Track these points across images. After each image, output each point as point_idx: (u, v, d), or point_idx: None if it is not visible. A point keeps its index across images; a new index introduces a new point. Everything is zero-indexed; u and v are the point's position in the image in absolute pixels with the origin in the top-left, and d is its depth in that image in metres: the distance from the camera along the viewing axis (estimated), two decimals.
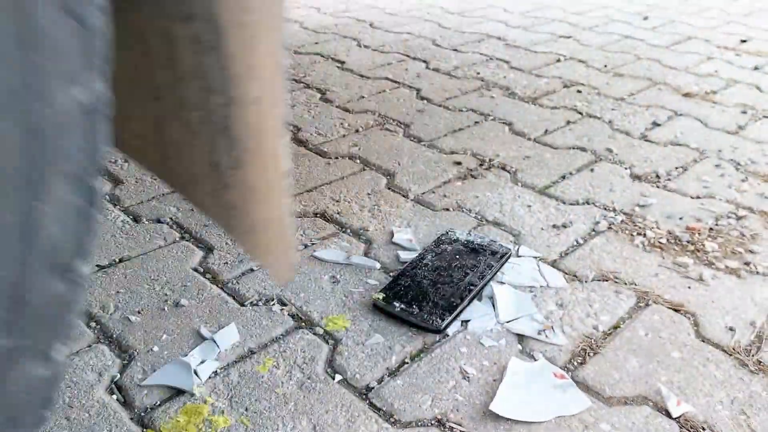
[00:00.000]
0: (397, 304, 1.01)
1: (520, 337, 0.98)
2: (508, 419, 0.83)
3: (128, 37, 0.45)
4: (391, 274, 1.12)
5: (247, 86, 0.46)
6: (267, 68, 0.46)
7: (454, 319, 1.00)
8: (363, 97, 1.99)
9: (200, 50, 0.44)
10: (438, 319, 0.98)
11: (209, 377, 0.90)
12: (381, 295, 1.03)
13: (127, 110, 0.48)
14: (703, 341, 0.99)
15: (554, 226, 1.28)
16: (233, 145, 0.48)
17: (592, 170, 1.52)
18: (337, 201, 1.37)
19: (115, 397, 0.86)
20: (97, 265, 1.13)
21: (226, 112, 0.47)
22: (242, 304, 1.04)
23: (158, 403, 0.86)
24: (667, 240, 1.24)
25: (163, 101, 0.47)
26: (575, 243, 1.22)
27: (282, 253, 0.54)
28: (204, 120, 0.47)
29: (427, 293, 1.04)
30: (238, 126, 0.47)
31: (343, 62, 2.33)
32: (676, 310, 1.05)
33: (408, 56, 2.40)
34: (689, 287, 1.10)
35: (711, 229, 1.27)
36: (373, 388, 0.89)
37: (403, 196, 1.39)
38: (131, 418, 0.83)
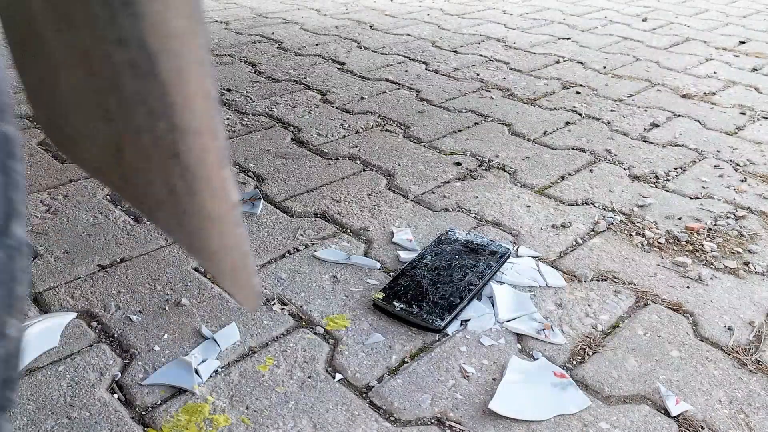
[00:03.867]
0: (397, 304, 1.02)
1: (520, 337, 0.99)
2: (507, 418, 0.84)
3: (75, 59, 0.44)
4: (391, 273, 1.12)
5: (184, 116, 0.45)
6: (199, 98, 0.45)
7: (454, 318, 1.01)
8: (363, 98, 1.99)
9: (139, 75, 0.43)
10: (438, 319, 0.99)
11: (210, 376, 0.90)
12: (381, 295, 1.04)
13: (84, 131, 0.48)
14: (702, 341, 0.99)
15: (553, 226, 1.28)
16: (185, 172, 0.47)
17: (591, 171, 1.52)
18: (338, 201, 1.37)
19: (116, 396, 0.87)
20: (98, 265, 1.13)
21: (172, 138, 0.46)
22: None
23: (159, 402, 0.86)
24: (666, 240, 1.24)
25: (116, 123, 0.46)
26: (574, 243, 1.23)
27: (245, 281, 0.52)
28: (155, 144, 0.46)
29: (426, 293, 1.04)
30: (186, 154, 0.46)
31: (343, 63, 2.33)
32: (674, 310, 1.05)
33: (408, 58, 2.41)
34: (688, 287, 1.11)
35: (710, 229, 1.28)
36: (373, 387, 0.89)
37: (403, 196, 1.40)
38: (132, 417, 0.84)
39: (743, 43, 2.58)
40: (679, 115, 1.85)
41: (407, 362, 0.93)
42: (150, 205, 0.51)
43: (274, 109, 1.88)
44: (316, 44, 2.58)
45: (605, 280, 1.12)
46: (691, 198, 1.40)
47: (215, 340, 0.96)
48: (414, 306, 1.01)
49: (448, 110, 1.90)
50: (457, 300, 1.03)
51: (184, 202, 0.49)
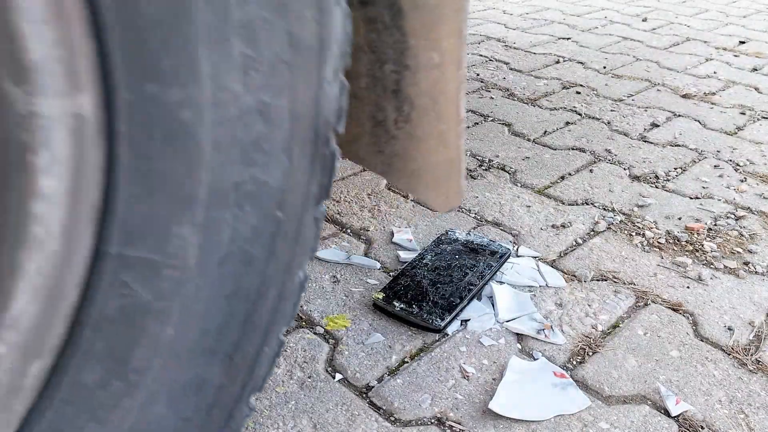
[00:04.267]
0: (397, 304, 1.02)
1: (520, 337, 0.99)
2: (507, 418, 0.84)
3: None
4: (391, 273, 1.12)
5: (426, 55, 0.57)
6: (449, 39, 0.56)
7: (454, 318, 1.00)
8: None
9: (375, 29, 0.53)
10: (438, 319, 0.99)
11: None
12: (381, 295, 1.04)
13: None
14: (702, 341, 0.99)
15: (553, 226, 1.28)
16: (402, 105, 0.59)
17: (591, 171, 1.52)
18: (338, 201, 1.37)
19: None
20: None
21: (396, 77, 0.58)
22: None
23: None
24: (666, 240, 1.24)
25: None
26: (574, 243, 1.23)
27: (450, 189, 0.66)
28: (370, 85, 0.57)
29: (426, 293, 1.04)
30: (409, 88, 0.59)
31: None
32: (674, 310, 1.05)
33: None
34: (688, 287, 1.11)
35: (710, 229, 1.28)
36: (373, 387, 0.89)
37: (403, 196, 1.40)
38: None
39: (743, 43, 2.58)
40: (679, 115, 1.85)
41: (407, 362, 0.93)
42: (348, 140, 0.61)
43: None
44: None
45: (605, 280, 1.12)
46: (691, 198, 1.40)
47: None
48: (414, 306, 1.01)
49: None
50: (457, 300, 1.02)
51: (392, 131, 0.61)
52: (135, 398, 0.49)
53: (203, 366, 0.52)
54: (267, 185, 0.48)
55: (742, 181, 1.47)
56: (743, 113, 1.86)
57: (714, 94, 2.02)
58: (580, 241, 1.24)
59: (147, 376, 0.50)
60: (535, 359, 0.94)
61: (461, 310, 1.02)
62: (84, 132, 0.42)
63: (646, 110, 1.90)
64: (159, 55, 0.41)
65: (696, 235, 1.26)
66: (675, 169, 1.53)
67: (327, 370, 0.92)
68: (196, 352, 0.51)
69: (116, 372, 0.49)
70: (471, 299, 1.04)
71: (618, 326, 1.02)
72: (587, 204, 1.37)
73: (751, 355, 0.96)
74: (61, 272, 0.45)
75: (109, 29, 0.40)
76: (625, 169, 1.53)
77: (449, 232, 1.22)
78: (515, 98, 2.00)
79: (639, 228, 1.28)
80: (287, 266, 0.53)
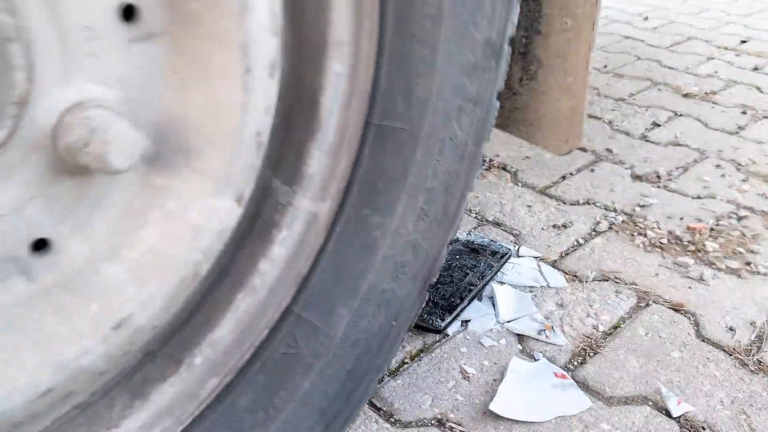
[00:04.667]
0: None
1: (521, 337, 0.98)
2: (508, 419, 0.83)
3: None
4: None
5: (559, 21, 0.69)
6: (584, 6, 0.69)
7: (454, 318, 1.00)
8: None
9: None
10: (438, 319, 0.98)
11: None
12: None
13: None
14: (704, 341, 0.99)
15: (554, 226, 1.28)
16: (529, 65, 0.71)
17: (592, 170, 1.52)
18: None
19: None
20: None
21: (527, 42, 0.70)
22: None
23: None
24: (668, 240, 1.24)
25: None
26: (575, 243, 1.22)
27: (571, 132, 0.79)
28: None
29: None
30: (538, 50, 0.71)
31: None
32: (676, 310, 1.05)
33: None
34: (690, 287, 1.10)
35: (712, 229, 1.27)
36: None
37: None
38: None
39: (745, 42, 2.57)
40: (681, 115, 1.85)
41: (407, 363, 0.93)
42: None
43: None
44: None
45: (606, 281, 1.12)
46: (692, 198, 1.39)
47: None
48: None
49: None
50: (458, 300, 1.02)
51: (515, 87, 0.73)
52: (267, 430, 0.62)
53: (313, 423, 0.64)
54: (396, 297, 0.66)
55: (744, 180, 1.47)
56: (745, 112, 1.86)
57: (715, 93, 2.01)
58: (581, 241, 1.23)
59: (281, 415, 0.62)
60: (535, 360, 0.94)
61: (462, 311, 1.02)
62: (314, 226, 0.59)
63: (647, 109, 1.89)
64: (384, 193, 0.60)
65: (698, 235, 1.25)
66: (677, 168, 1.53)
67: None
68: (314, 408, 0.64)
69: (262, 404, 0.60)
70: (471, 300, 1.04)
71: (619, 327, 1.01)
72: (588, 204, 1.37)
73: (753, 355, 0.96)
74: (259, 315, 0.59)
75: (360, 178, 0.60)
76: (626, 168, 1.53)
77: None
78: None
79: (641, 228, 1.27)
80: (389, 351, 0.70)
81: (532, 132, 0.80)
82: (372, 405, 0.86)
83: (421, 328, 0.99)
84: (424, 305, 1.00)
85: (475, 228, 1.27)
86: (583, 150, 1.62)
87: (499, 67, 0.62)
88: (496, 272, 1.11)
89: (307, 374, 0.63)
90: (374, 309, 0.65)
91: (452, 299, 1.02)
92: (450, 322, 0.99)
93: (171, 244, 0.51)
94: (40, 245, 0.46)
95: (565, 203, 1.37)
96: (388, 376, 0.91)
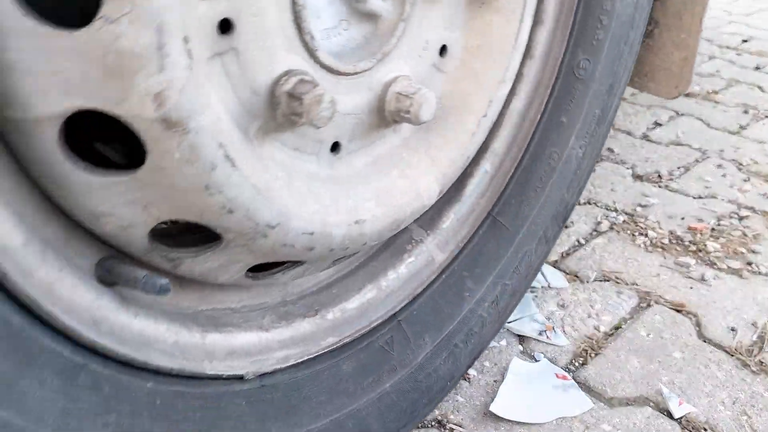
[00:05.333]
0: None
1: (521, 338, 0.98)
2: (508, 420, 0.83)
3: None
4: None
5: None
6: None
7: None
8: None
9: None
10: None
11: None
12: None
13: None
14: (705, 341, 0.98)
15: None
16: (647, 25, 0.81)
17: (593, 170, 1.51)
18: None
19: None
20: None
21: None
22: None
23: None
24: (669, 240, 1.23)
25: None
26: (577, 243, 1.22)
27: (681, 79, 0.94)
28: None
29: None
30: (656, 12, 0.86)
31: None
32: (677, 311, 1.05)
33: None
34: (691, 287, 1.10)
35: (713, 229, 1.27)
36: None
37: None
38: None
39: (746, 41, 2.57)
40: (682, 114, 1.84)
41: None
42: None
43: None
44: None
45: (608, 281, 1.11)
46: (694, 198, 1.39)
47: None
48: None
49: None
50: None
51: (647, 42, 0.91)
52: (479, 287, 0.79)
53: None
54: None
55: (745, 180, 1.46)
56: (746, 112, 1.85)
57: (717, 92, 2.01)
58: (582, 241, 1.23)
59: (488, 277, 0.80)
60: (536, 361, 0.94)
61: None
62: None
63: (648, 109, 1.89)
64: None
65: (699, 235, 1.25)
66: (678, 168, 1.52)
67: None
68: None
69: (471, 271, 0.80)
70: None
71: (620, 327, 1.01)
72: (589, 204, 1.36)
73: (755, 356, 0.95)
74: (463, 222, 0.80)
75: None
76: (627, 168, 1.52)
77: None
78: None
79: (642, 228, 1.27)
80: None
81: (645, 82, 0.96)
82: None
83: None
84: None
85: None
86: None
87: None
88: None
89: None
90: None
91: None
92: None
93: (403, 192, 0.66)
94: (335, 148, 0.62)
95: None
96: None
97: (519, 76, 0.76)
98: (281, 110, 0.50)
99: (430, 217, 0.76)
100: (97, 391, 0.46)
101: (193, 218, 0.49)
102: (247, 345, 0.59)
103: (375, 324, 0.69)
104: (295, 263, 0.60)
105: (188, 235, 0.54)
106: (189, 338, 0.54)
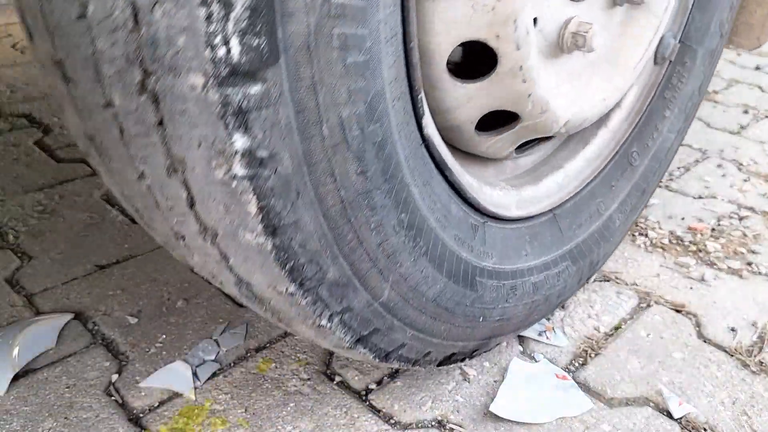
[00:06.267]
0: None
1: (521, 338, 0.98)
2: (508, 421, 0.83)
3: None
4: None
5: None
6: None
7: None
8: None
9: None
10: None
11: (208, 378, 0.89)
12: None
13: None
14: (705, 342, 0.98)
15: None
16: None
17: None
18: None
19: (113, 398, 0.86)
20: (96, 266, 1.12)
21: None
22: (241, 305, 1.04)
23: (157, 404, 0.85)
24: (669, 240, 1.23)
25: None
26: None
27: (762, 32, 1.13)
28: None
29: None
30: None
31: None
32: (677, 311, 1.04)
33: None
34: (691, 288, 1.10)
35: (713, 229, 1.27)
36: (372, 389, 0.88)
37: None
38: (129, 419, 0.83)
39: None
40: None
41: None
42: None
43: None
44: None
45: (608, 281, 1.11)
46: (694, 198, 1.39)
47: (217, 342, 0.95)
48: None
49: None
50: None
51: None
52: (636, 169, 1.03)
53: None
54: None
55: (745, 180, 1.46)
56: (746, 112, 1.85)
57: (717, 92, 2.01)
58: None
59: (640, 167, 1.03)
60: (536, 361, 0.93)
61: None
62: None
63: None
64: None
65: (699, 236, 1.25)
66: (678, 168, 1.52)
67: (326, 372, 0.91)
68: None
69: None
70: None
71: (620, 327, 1.01)
72: None
73: (755, 356, 0.95)
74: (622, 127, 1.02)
75: None
76: None
77: None
78: None
79: (642, 228, 1.27)
80: None
81: (731, 36, 1.12)
82: (371, 406, 0.85)
83: None
84: None
85: None
86: None
87: None
88: None
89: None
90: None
91: None
92: None
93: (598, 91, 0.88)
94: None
95: None
96: (388, 377, 0.90)
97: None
98: (566, 42, 0.77)
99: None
100: (501, 232, 0.81)
101: (509, 107, 0.75)
102: (507, 201, 0.84)
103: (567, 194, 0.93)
104: (547, 139, 0.92)
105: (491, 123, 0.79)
106: (507, 197, 0.84)
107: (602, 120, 0.97)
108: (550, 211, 0.89)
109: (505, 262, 0.80)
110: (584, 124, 0.88)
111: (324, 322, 0.61)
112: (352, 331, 0.64)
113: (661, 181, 1.18)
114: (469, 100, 0.71)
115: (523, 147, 0.90)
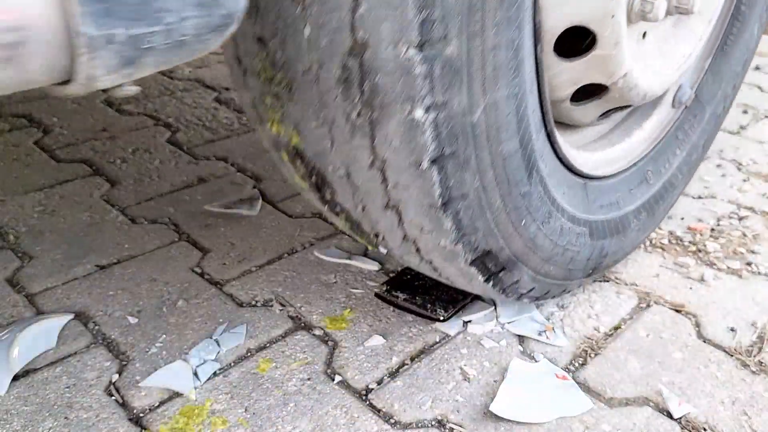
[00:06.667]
0: (401, 294, 1.02)
1: (521, 338, 0.98)
2: (508, 420, 0.83)
3: None
4: (390, 274, 1.12)
5: None
6: None
7: (456, 312, 1.00)
8: None
9: None
10: (441, 310, 0.99)
11: (209, 378, 0.89)
12: (385, 287, 1.04)
13: None
14: (705, 342, 0.98)
15: None
16: None
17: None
18: None
19: (113, 398, 0.86)
20: (96, 266, 1.12)
21: None
22: (241, 305, 1.04)
23: (157, 404, 0.85)
24: (669, 240, 1.23)
25: None
26: None
27: None
28: None
29: (430, 288, 1.04)
30: None
31: None
32: (677, 311, 1.04)
33: None
34: (691, 288, 1.10)
35: (713, 229, 1.27)
36: (372, 389, 0.88)
37: None
38: (130, 419, 0.83)
39: None
40: None
41: (407, 364, 0.93)
42: None
43: None
44: None
45: (607, 281, 1.11)
46: (694, 198, 1.39)
47: (217, 342, 0.95)
48: (417, 297, 1.01)
49: None
50: (461, 296, 1.02)
51: None
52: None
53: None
54: None
55: (745, 180, 1.46)
56: (746, 112, 1.85)
57: None
58: None
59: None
60: (536, 361, 0.94)
61: (464, 306, 1.01)
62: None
63: None
64: None
65: (699, 236, 1.25)
66: None
67: (326, 372, 0.91)
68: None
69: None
70: (473, 298, 1.04)
71: (620, 328, 1.01)
72: None
73: (754, 356, 0.95)
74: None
75: None
76: None
77: None
78: None
79: None
80: None
81: None
82: (371, 406, 0.85)
83: (423, 316, 0.99)
84: (427, 299, 1.01)
85: None
86: None
87: None
88: None
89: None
90: None
91: (454, 295, 1.02)
92: (452, 315, 0.99)
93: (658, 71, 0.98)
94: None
95: None
96: (388, 376, 0.90)
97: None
98: (636, 11, 0.85)
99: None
100: (592, 190, 0.97)
101: (603, 81, 0.87)
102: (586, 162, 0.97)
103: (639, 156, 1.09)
104: (625, 107, 0.99)
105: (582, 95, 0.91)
106: (583, 158, 0.96)
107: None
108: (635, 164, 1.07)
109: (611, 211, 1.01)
110: (653, 97, 1.01)
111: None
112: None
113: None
114: (569, 76, 0.85)
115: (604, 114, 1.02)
